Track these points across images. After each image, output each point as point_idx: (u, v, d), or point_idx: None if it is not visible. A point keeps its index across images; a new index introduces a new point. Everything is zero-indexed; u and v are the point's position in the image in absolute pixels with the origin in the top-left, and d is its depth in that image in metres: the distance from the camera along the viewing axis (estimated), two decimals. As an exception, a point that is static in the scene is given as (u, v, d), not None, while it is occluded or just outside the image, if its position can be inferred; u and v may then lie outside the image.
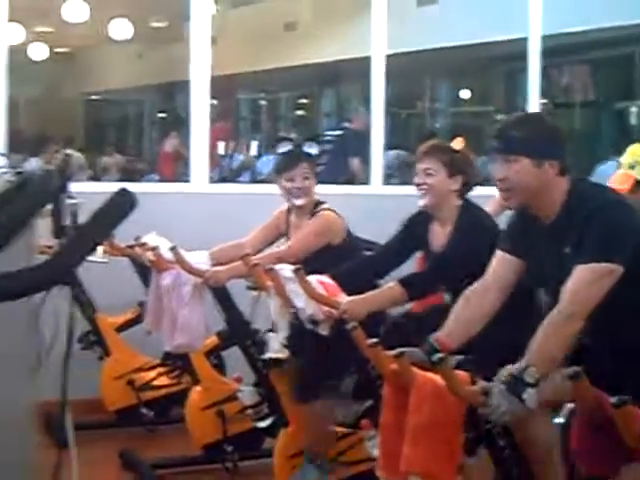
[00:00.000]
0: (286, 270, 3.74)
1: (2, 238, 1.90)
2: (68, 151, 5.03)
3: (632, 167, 4.62)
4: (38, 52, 13.91)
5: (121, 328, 5.10)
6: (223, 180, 8.74)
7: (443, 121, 13.87)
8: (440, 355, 2.58)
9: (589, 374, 2.28)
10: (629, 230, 2.86)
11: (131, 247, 4.70)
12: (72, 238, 1.90)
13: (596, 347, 2.90)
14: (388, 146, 8.41)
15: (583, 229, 2.85)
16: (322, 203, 4.45)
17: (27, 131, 11.44)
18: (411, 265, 4.15)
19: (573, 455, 2.19)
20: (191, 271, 4.25)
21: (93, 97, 17.77)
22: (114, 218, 1.92)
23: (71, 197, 3.35)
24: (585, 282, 2.78)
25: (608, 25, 10.08)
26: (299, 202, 4.39)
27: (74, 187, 3.41)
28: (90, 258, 3.68)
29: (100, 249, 4.23)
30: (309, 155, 4.46)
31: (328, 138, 8.34)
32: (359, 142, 8.05)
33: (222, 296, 4.35)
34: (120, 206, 1.92)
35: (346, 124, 8.50)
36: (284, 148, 4.52)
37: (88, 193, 3.42)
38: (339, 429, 4.24)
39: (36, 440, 3.27)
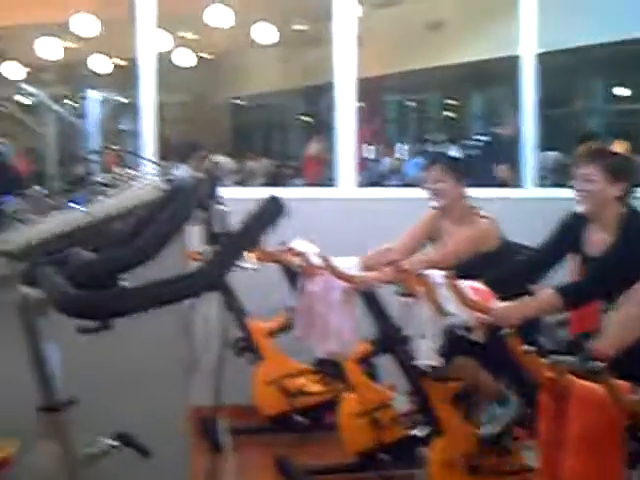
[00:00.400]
0: (437, 276, 3.75)
1: (155, 246, 1.98)
2: (217, 158, 5.17)
3: None
4: (184, 58, 14.26)
5: (272, 333, 5.20)
6: (371, 184, 8.78)
7: (599, 120, 13.54)
8: (600, 364, 2.55)
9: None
10: None
11: (279, 252, 4.77)
12: (223, 246, 1.97)
13: None
14: (542, 147, 8.32)
15: None
16: (474, 208, 4.45)
17: (174, 137, 11.76)
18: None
19: None
20: (341, 276, 4.29)
21: (238, 102, 18.09)
22: (264, 225, 1.97)
23: (221, 204, 3.45)
24: None
25: None
26: (434, 204, 4.47)
27: (222, 193, 3.51)
28: (240, 265, 3.78)
29: (250, 255, 4.32)
30: (448, 157, 4.49)
31: (475, 143, 8.26)
32: (508, 148, 7.98)
33: (372, 302, 4.39)
34: (269, 213, 1.97)
35: (496, 129, 8.41)
36: (427, 149, 4.58)
37: (235, 199, 3.52)
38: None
39: (191, 444, 3.38)
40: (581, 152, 3.89)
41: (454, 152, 4.56)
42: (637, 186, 3.88)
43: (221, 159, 12.73)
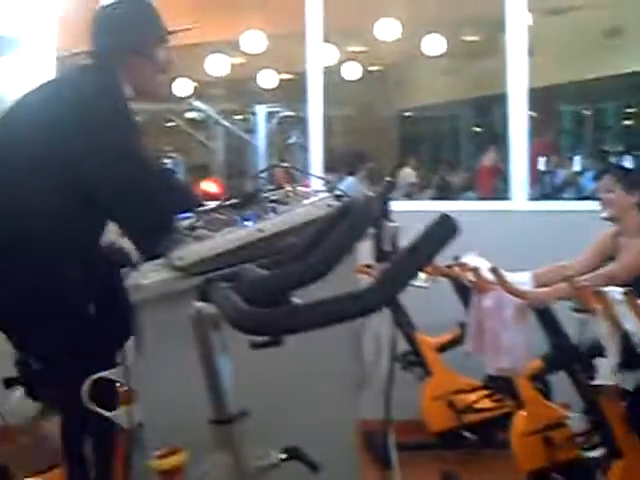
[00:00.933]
0: (615, 292, 3.65)
1: (327, 263, 2.00)
2: (402, 170, 5.19)
3: None
4: (351, 71, 14.38)
5: (442, 348, 5.17)
6: (544, 197, 8.64)
7: None
8: None
9: None
10: None
11: (450, 267, 4.75)
12: (394, 265, 1.96)
13: None
14: None
15: None
16: None
17: (341, 149, 11.86)
18: None
19: None
20: (513, 292, 4.23)
21: (406, 114, 18.12)
22: (436, 246, 1.96)
23: (391, 221, 3.46)
24: None
25: None
26: (603, 214, 4.46)
27: (395, 206, 3.51)
28: (411, 283, 3.75)
29: (422, 273, 4.32)
30: (619, 167, 4.40)
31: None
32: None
33: (547, 318, 4.31)
34: (442, 233, 1.96)
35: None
36: (613, 162, 4.50)
37: (405, 211, 3.52)
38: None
39: (360, 459, 3.39)
40: None
41: (627, 162, 4.46)
42: None
43: (405, 171, 12.81)
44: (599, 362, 3.77)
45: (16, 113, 3.35)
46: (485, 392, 5.08)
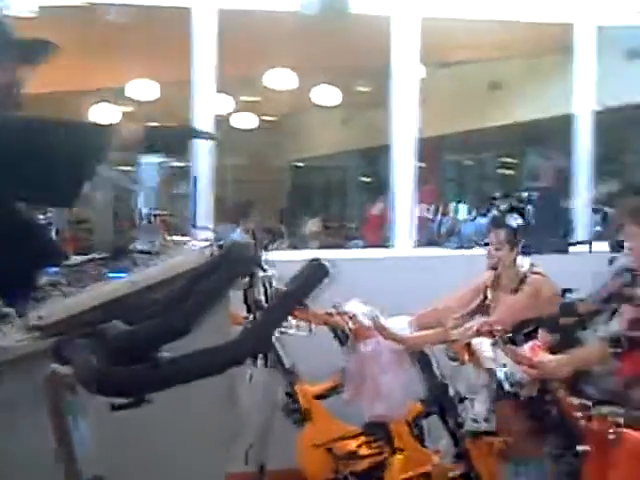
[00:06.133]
0: (483, 343, 3.79)
1: (196, 314, 1.99)
2: (266, 225, 5.23)
3: None
4: (245, 121, 14.47)
5: (321, 396, 5.18)
6: (429, 244, 8.81)
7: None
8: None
9: None
10: None
11: (330, 314, 4.81)
12: (264, 314, 2.00)
13: None
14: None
15: None
16: (528, 275, 4.52)
17: (232, 200, 11.88)
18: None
19: None
20: (391, 338, 4.33)
21: (298, 164, 18.28)
22: (307, 289, 2.00)
23: (264, 269, 3.51)
24: None
25: None
26: (489, 267, 4.61)
27: (274, 256, 3.56)
28: (292, 332, 3.81)
29: (301, 321, 4.37)
30: (508, 226, 4.56)
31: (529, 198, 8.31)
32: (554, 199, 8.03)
33: (423, 363, 4.41)
34: (313, 277, 2.00)
35: (537, 183, 8.48)
36: (488, 212, 4.65)
37: (287, 261, 3.58)
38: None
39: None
40: (622, 210, 3.94)
41: (512, 220, 4.61)
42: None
43: (310, 221, 12.89)
44: (470, 408, 3.89)
45: None
46: (364, 439, 5.12)
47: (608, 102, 9.39)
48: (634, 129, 13.60)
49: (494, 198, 4.90)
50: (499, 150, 15.89)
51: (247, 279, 3.29)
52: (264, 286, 3.41)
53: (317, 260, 1.99)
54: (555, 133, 9.22)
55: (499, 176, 16.10)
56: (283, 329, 3.96)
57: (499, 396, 3.82)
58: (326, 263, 2.01)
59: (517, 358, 3.69)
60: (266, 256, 3.76)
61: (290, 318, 3.94)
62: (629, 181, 12.50)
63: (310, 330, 4.67)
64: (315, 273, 1.98)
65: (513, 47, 10.91)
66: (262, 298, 3.31)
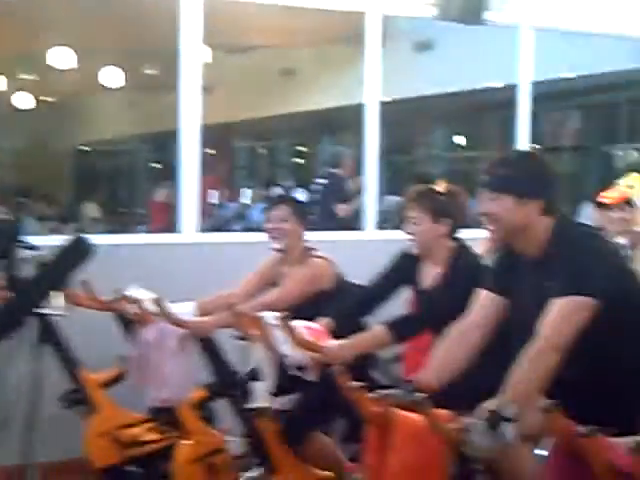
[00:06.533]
0: (271, 317, 3.90)
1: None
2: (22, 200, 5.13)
3: (630, 187, 5.32)
4: (26, 101, 14.10)
5: (106, 384, 5.18)
6: (214, 229, 8.90)
7: (440, 167, 14.29)
8: (420, 395, 2.73)
9: (566, 406, 2.42)
10: (605, 266, 3.05)
11: (113, 301, 4.83)
12: (24, 287, 2.03)
13: (572, 379, 3.08)
14: (388, 192, 8.66)
15: (562, 264, 3.03)
16: (312, 250, 4.65)
17: (10, 182, 11.60)
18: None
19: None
20: (176, 323, 4.39)
21: (85, 147, 18.00)
22: (68, 266, 2.03)
23: (27, 248, 3.51)
24: (561, 315, 2.97)
25: (596, 72, 10.53)
26: (276, 245, 4.64)
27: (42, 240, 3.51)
28: (50, 311, 3.79)
29: (61, 301, 4.34)
30: (292, 199, 4.67)
31: (316, 187, 8.57)
32: (346, 188, 8.34)
33: (208, 347, 4.50)
34: (75, 254, 2.04)
35: (333, 170, 8.74)
36: (273, 193, 4.75)
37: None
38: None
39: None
40: (407, 196, 4.16)
41: (298, 195, 4.72)
42: (463, 226, 4.17)
43: (89, 206, 12.64)
44: (256, 386, 4.02)
45: None
46: (150, 425, 5.17)
47: (397, 93, 9.79)
48: (421, 120, 14.21)
49: (273, 185, 5.00)
50: (293, 138, 16.18)
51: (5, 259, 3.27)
52: (26, 265, 3.39)
53: (79, 237, 2.03)
54: (349, 122, 9.51)
55: (292, 163, 16.41)
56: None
57: (284, 377, 3.95)
58: (88, 239, 2.05)
59: (299, 341, 3.81)
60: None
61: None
62: (416, 171, 13.07)
63: (67, 311, 4.57)
64: (77, 250, 2.02)
65: (305, 34, 11.11)
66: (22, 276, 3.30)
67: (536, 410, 2.59)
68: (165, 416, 4.91)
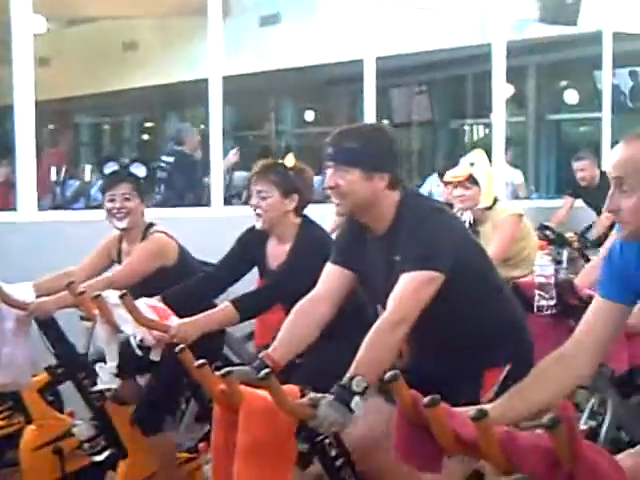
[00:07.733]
0: (112, 296, 3.81)
1: None
2: None
3: (472, 164, 5.45)
4: None
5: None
6: (57, 208, 8.70)
7: (289, 142, 14.31)
8: (265, 370, 2.70)
9: (411, 376, 2.43)
10: (450, 239, 3.09)
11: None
12: None
13: (418, 349, 3.12)
14: (236, 168, 8.62)
15: (408, 238, 3.05)
16: (153, 226, 4.57)
17: None
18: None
19: (396, 454, 2.34)
20: (13, 304, 4.27)
21: None
22: None
23: None
24: (409, 289, 3.00)
25: (443, 47, 10.74)
26: (121, 224, 4.53)
27: None
28: None
29: None
30: (133, 176, 4.58)
31: (162, 164, 8.48)
32: (192, 164, 8.28)
33: (50, 328, 4.39)
34: None
35: (178, 147, 8.65)
36: (110, 169, 4.63)
37: None
38: (182, 455, 4.36)
39: None
40: (254, 169, 4.12)
41: (138, 169, 4.59)
42: (311, 202, 4.15)
43: None
44: (100, 368, 3.93)
45: None
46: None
47: (244, 68, 9.74)
48: (270, 96, 14.19)
49: (109, 159, 4.85)
50: (139, 113, 15.91)
51: None
52: None
53: None
54: (194, 98, 9.41)
55: (138, 139, 16.17)
56: None
57: (129, 358, 3.88)
58: None
59: (142, 320, 3.74)
60: None
61: None
62: (262, 145, 13.05)
63: None
64: None
65: (147, 6, 10.96)
66: None
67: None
68: (10, 401, 4.80)
